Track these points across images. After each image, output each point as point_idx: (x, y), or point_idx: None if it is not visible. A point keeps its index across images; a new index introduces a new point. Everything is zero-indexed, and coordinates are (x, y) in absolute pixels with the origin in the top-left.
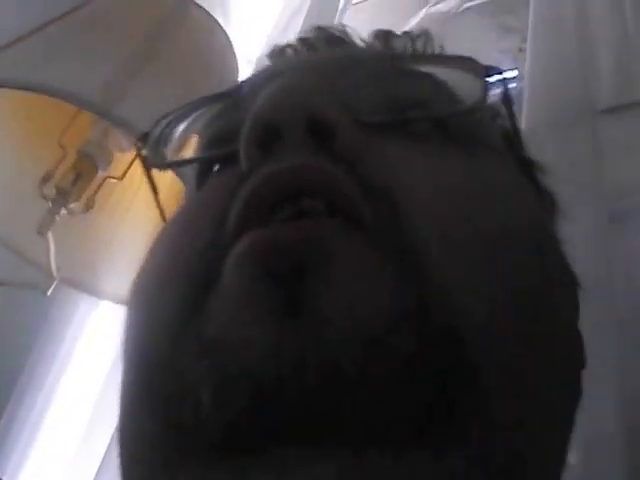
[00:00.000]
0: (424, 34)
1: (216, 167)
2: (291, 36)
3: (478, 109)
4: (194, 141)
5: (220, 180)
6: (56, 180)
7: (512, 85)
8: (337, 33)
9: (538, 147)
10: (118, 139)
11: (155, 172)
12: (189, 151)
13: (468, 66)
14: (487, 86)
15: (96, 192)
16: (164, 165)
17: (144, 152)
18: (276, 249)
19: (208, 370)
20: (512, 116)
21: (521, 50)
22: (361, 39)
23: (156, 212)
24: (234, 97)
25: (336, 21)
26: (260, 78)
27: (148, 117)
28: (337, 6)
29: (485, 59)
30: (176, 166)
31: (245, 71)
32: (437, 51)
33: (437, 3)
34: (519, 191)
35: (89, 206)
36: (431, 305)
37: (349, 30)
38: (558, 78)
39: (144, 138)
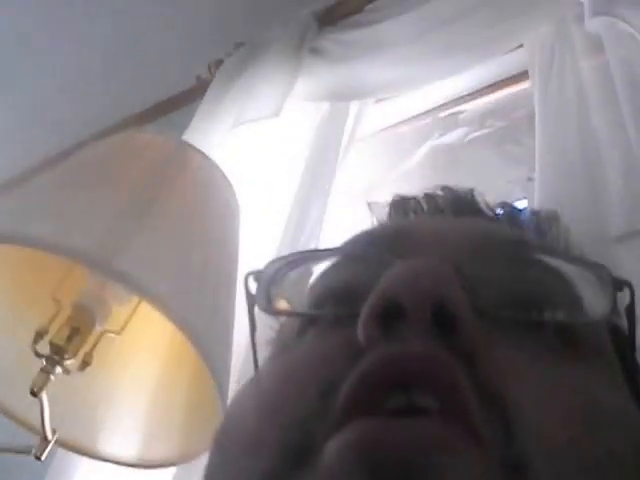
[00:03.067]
0: (552, 217)
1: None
2: (295, 174)
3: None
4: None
5: (330, 343)
6: (50, 336)
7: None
8: (464, 197)
9: None
10: (116, 291)
11: (159, 324)
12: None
13: (599, 272)
14: (616, 299)
15: (93, 348)
16: (274, 312)
17: (253, 289)
18: (384, 447)
19: None
20: (633, 329)
21: (530, 179)
22: (487, 206)
23: (157, 367)
24: (352, 254)
25: (340, 156)
26: (381, 236)
27: (147, 269)
28: (341, 141)
29: (493, 189)
30: (286, 315)
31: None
32: (564, 235)
33: (442, 135)
34: (629, 414)
35: (86, 363)
36: None
37: (476, 195)
38: (568, 206)
39: (257, 275)
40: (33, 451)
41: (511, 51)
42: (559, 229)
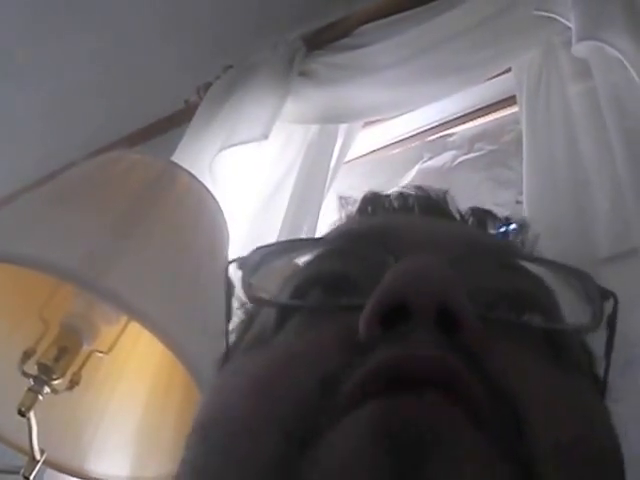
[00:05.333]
0: (522, 225)
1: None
2: (283, 196)
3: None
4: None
5: (322, 333)
6: (38, 356)
7: None
8: (435, 198)
9: None
10: (103, 310)
11: (148, 343)
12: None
13: (584, 281)
14: (603, 308)
15: (81, 367)
16: (258, 301)
17: (239, 277)
18: (403, 422)
19: None
20: (612, 339)
21: (518, 202)
22: (457, 210)
23: (147, 386)
24: (339, 246)
25: (329, 179)
26: (369, 232)
27: (135, 288)
28: (329, 164)
29: None
30: (271, 305)
31: (236, 235)
32: (531, 242)
33: (430, 158)
34: (608, 418)
35: (74, 382)
36: None
37: (448, 198)
38: (556, 229)
39: (241, 263)
40: (21, 471)
41: (500, 75)
42: (527, 236)
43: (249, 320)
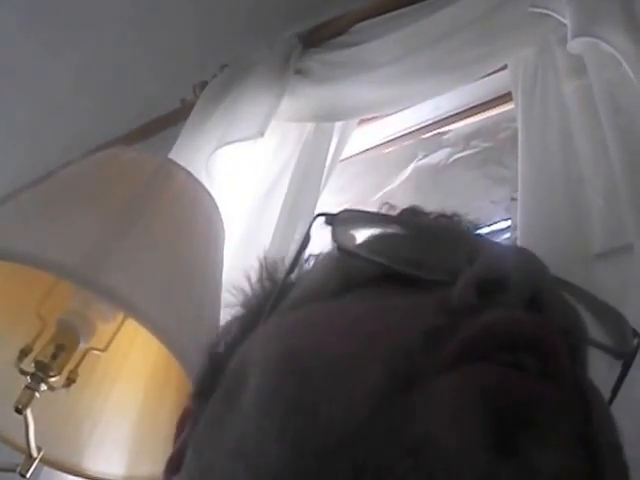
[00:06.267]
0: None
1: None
2: (279, 194)
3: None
4: None
5: (418, 300)
6: (35, 354)
7: (506, 235)
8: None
9: None
10: (100, 308)
11: (145, 341)
12: None
13: (618, 321)
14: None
15: (78, 365)
16: (360, 255)
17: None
18: (509, 389)
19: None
20: (623, 378)
21: (513, 199)
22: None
23: (143, 384)
24: (414, 230)
25: (324, 177)
26: (428, 230)
27: (132, 285)
28: (325, 161)
29: (477, 210)
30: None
31: (231, 232)
32: None
33: (426, 156)
34: None
35: (71, 380)
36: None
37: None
38: (550, 226)
39: (330, 218)
40: (18, 469)
41: (495, 72)
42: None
43: (279, 293)
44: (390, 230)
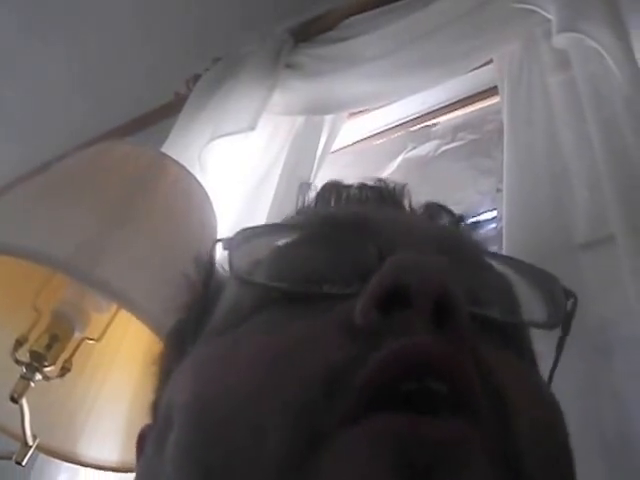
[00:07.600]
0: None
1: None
2: (270, 186)
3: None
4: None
5: (317, 323)
6: (30, 344)
7: (492, 226)
8: (394, 191)
9: None
10: (94, 299)
11: (138, 331)
12: None
13: (550, 283)
14: (566, 306)
15: (73, 355)
16: (251, 281)
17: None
18: (416, 442)
19: None
20: (563, 340)
21: (499, 191)
22: (410, 204)
23: (136, 373)
24: (316, 230)
25: (314, 169)
26: (348, 222)
27: (126, 277)
28: (315, 154)
29: (464, 200)
30: (269, 287)
31: (223, 224)
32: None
33: (414, 148)
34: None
35: (66, 370)
36: None
37: (405, 191)
38: (535, 216)
39: (227, 243)
40: (14, 457)
41: (481, 66)
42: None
43: (206, 303)
44: (292, 238)
